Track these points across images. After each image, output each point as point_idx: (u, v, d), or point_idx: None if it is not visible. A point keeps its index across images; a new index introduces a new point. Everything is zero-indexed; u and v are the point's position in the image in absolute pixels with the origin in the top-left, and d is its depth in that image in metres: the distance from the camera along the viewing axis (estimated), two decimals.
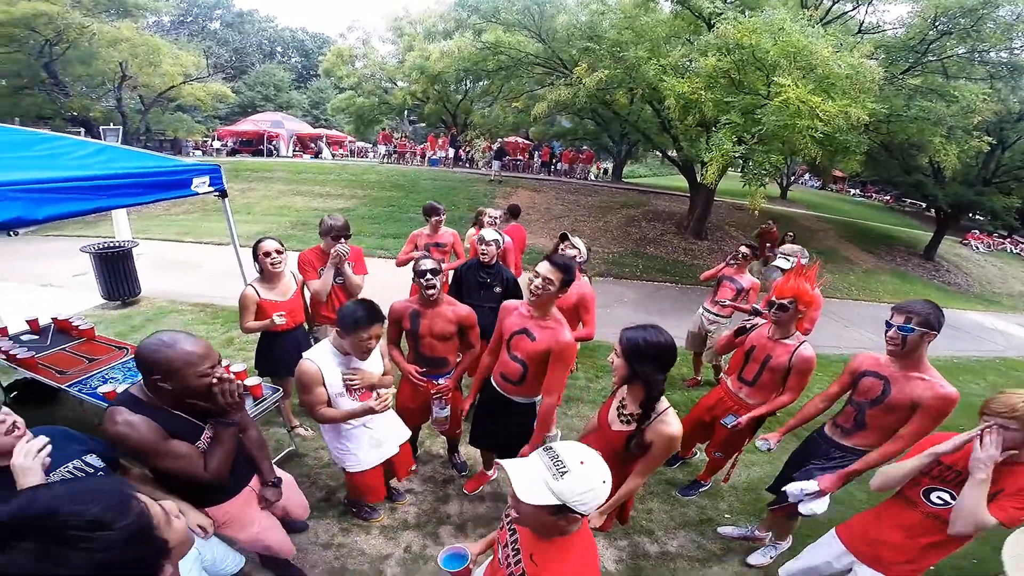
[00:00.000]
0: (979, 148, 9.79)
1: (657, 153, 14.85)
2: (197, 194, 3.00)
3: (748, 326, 2.95)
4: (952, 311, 11.48)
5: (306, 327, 3.50)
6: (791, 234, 9.42)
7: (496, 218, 4.69)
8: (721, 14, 7.81)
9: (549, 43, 10.51)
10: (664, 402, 1.89)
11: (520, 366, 2.49)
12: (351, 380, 2.26)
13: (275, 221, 11.11)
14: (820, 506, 2.28)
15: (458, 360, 2.99)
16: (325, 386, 2.21)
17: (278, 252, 3.01)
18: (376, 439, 2.52)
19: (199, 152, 19.92)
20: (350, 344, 2.18)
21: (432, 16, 18.74)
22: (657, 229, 12.69)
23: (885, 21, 10.25)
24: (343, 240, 3.29)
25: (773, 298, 2.72)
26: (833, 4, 10.07)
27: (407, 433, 2.75)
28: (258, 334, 3.26)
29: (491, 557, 1.65)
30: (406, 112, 22.57)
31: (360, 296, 2.56)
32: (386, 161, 18.85)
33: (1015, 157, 14.30)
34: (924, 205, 19.52)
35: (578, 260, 3.43)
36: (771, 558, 2.92)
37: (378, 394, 2.25)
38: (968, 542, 1.85)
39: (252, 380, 2.95)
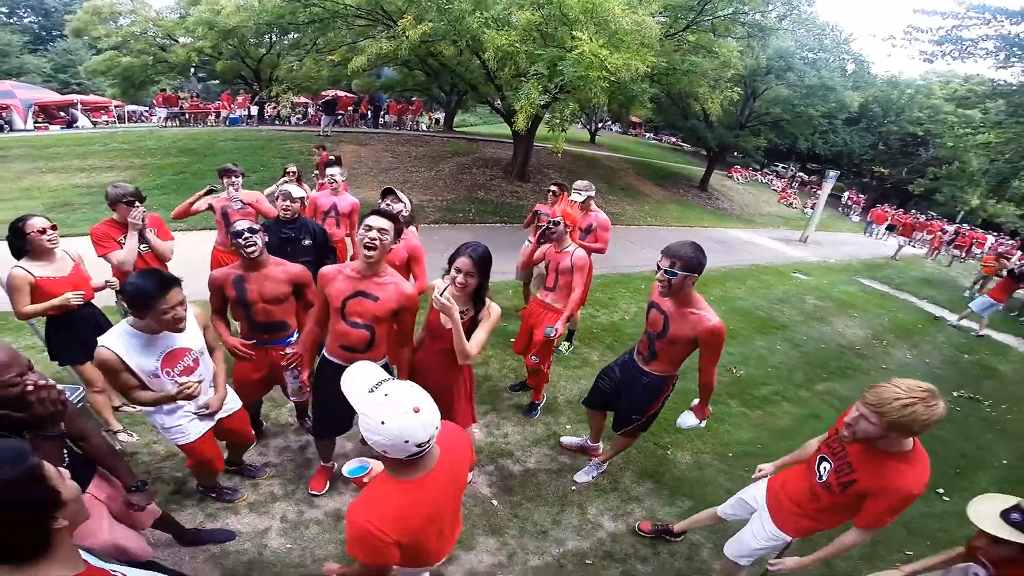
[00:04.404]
0: (731, 97, 11.99)
1: (484, 102, 15.17)
2: None
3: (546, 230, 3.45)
4: (721, 230, 14.42)
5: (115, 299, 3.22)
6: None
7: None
8: None
9: None
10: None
11: (365, 331, 2.35)
12: (187, 391, 2.10)
13: (22, 206, 8.58)
14: (693, 423, 2.75)
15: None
16: (133, 371, 2.02)
17: (53, 228, 2.71)
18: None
19: None
20: (154, 322, 1.99)
21: None
22: (487, 175, 13.25)
23: None
24: (137, 204, 3.09)
25: (550, 218, 3.39)
26: None
27: (238, 402, 2.58)
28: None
29: None
30: (192, 70, 19.16)
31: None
32: (169, 125, 16.01)
33: (762, 105, 17.80)
34: (699, 146, 23.26)
35: (403, 214, 3.37)
36: (593, 477, 3.36)
37: (178, 383, 2.09)
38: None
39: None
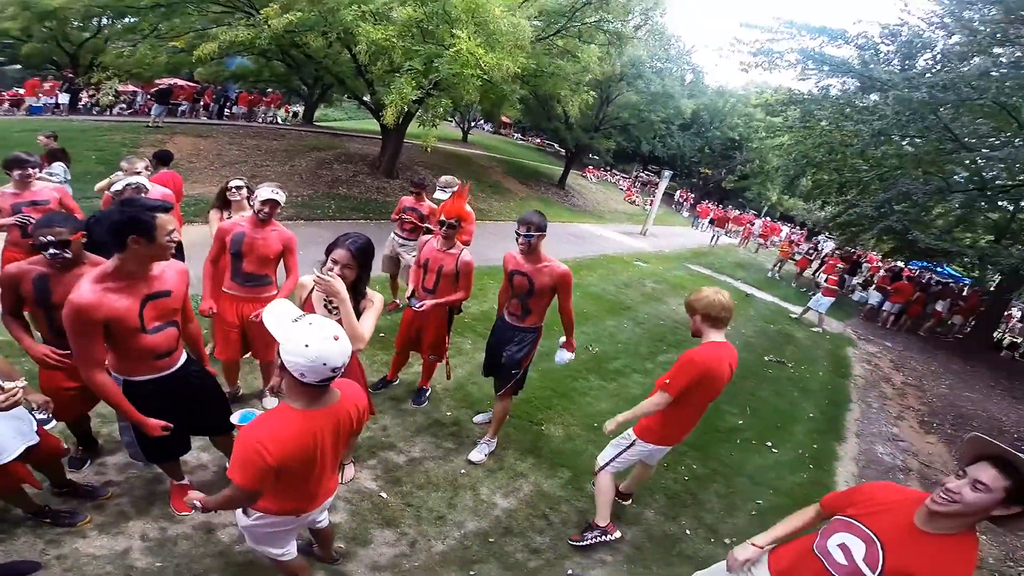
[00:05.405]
0: (588, 100, 13.01)
1: (352, 97, 14.50)
2: None
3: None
4: (576, 225, 15.70)
5: None
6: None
7: (140, 168, 4.03)
8: None
9: None
10: None
11: (171, 328, 2.13)
12: (12, 398, 1.77)
13: None
14: (568, 357, 3.40)
15: None
16: None
17: None
18: (15, 421, 2.05)
19: None
20: None
21: None
22: (350, 170, 12.75)
23: None
24: None
25: (442, 218, 3.32)
26: None
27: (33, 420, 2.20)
28: None
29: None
30: None
31: None
32: None
33: (614, 110, 19.46)
34: (560, 146, 24.80)
35: (281, 204, 3.25)
36: (486, 455, 3.49)
37: (1, 387, 1.76)
38: None
39: None
